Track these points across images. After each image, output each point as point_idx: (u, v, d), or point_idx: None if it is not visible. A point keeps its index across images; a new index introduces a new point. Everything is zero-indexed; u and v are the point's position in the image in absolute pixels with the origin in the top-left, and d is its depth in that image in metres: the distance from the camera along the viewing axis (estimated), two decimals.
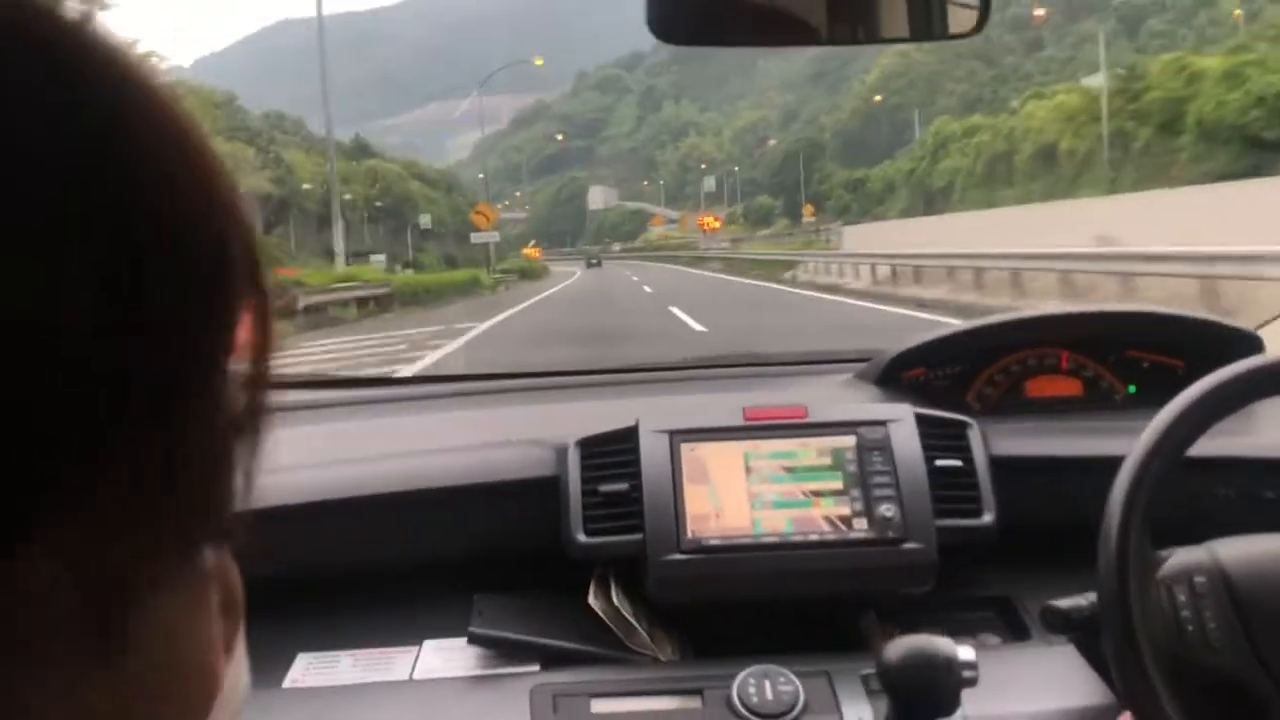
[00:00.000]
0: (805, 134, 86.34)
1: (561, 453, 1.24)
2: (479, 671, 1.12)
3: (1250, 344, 1.38)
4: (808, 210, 60.08)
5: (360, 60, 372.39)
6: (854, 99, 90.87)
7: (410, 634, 1.18)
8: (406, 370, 9.03)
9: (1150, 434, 0.90)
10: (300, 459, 1.35)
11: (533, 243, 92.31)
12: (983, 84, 74.90)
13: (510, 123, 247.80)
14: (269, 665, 1.14)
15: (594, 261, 66.86)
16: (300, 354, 10.81)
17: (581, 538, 1.17)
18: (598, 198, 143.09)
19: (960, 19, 1.04)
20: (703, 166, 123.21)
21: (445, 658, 1.15)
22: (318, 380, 1.81)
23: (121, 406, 0.23)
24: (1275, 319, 1.51)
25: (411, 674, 1.13)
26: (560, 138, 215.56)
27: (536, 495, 1.22)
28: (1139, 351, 1.45)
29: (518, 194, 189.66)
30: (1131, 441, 0.91)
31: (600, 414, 1.31)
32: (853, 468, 1.19)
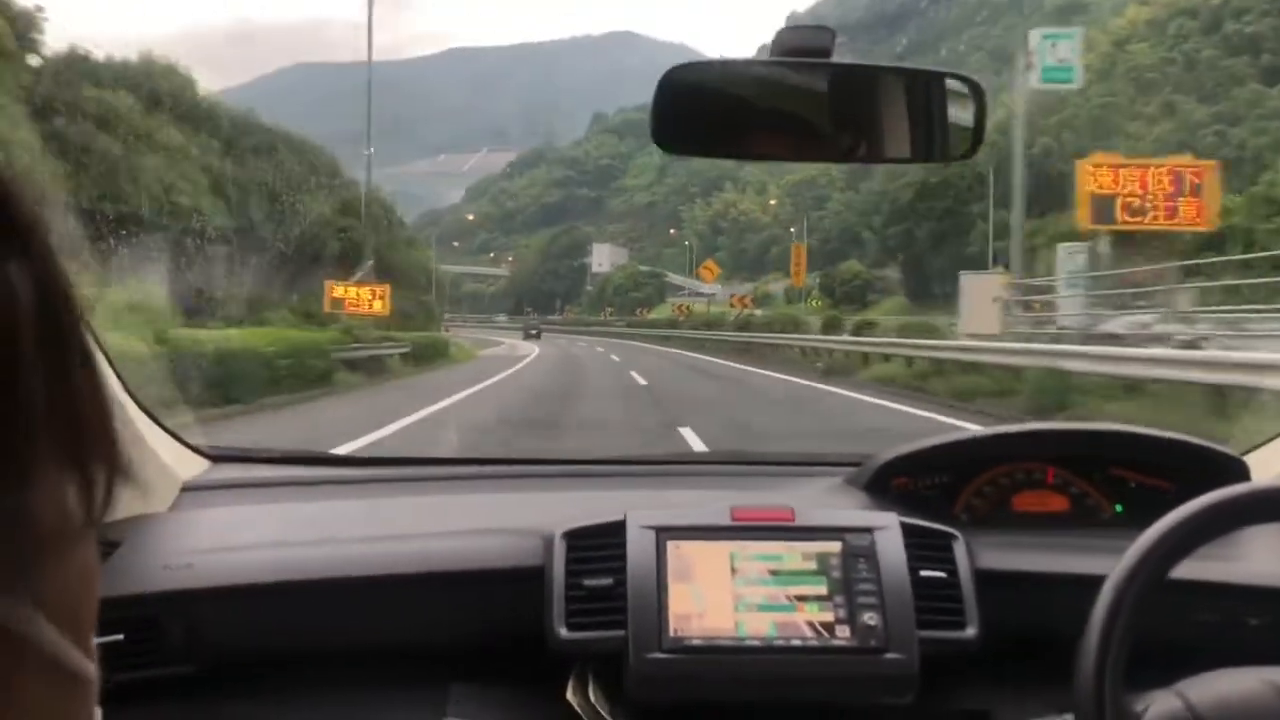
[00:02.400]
0: (893, 190, 57.16)
1: (548, 543, 1.23)
2: None
3: (1236, 470, 1.40)
4: (1003, 277, 21.27)
5: (377, 107, 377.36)
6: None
7: (386, 719, 1.18)
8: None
9: (1127, 562, 0.91)
10: (283, 536, 1.36)
11: (358, 274, 30.03)
12: (1198, 123, 52.09)
13: (507, 164, 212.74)
14: None
15: (533, 332, 55.76)
16: None
17: (563, 631, 1.17)
18: (602, 257, 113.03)
19: (958, 145, 1.08)
20: (758, 214, 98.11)
21: None
22: (300, 457, 1.81)
23: None
24: (1261, 445, 1.53)
25: None
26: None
27: (520, 585, 1.22)
28: (1125, 470, 1.46)
29: (471, 216, 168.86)
30: (1116, 561, 0.92)
31: (586, 506, 1.32)
32: (838, 574, 1.19)
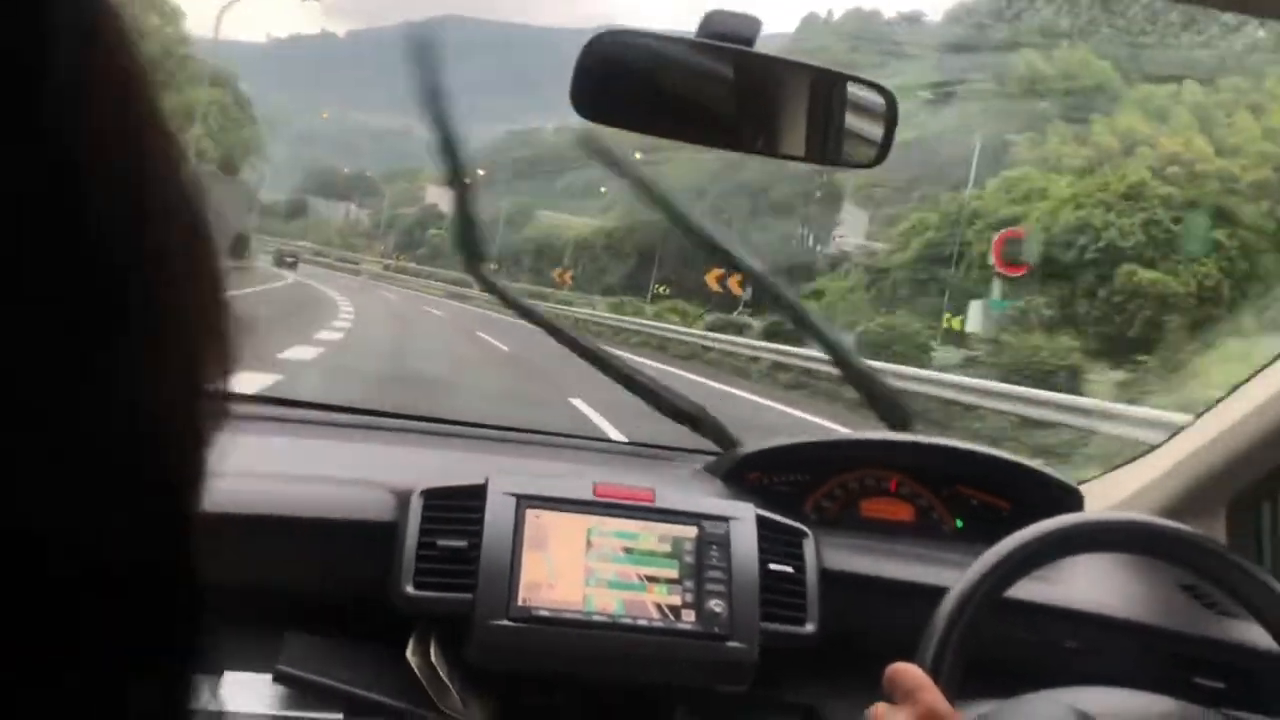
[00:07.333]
0: None
1: (404, 500, 1.21)
2: (279, 711, 1.09)
3: (1072, 499, 1.47)
4: None
5: (510, 65, 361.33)
6: None
7: (211, 660, 1.12)
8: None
9: (968, 579, 0.95)
10: None
11: None
12: None
13: None
14: None
15: (289, 260, 44.20)
16: None
17: (410, 590, 1.14)
18: (853, 225, 43.05)
19: (859, 151, 1.09)
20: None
21: (245, 691, 1.11)
22: None
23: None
24: (1096, 477, 1.60)
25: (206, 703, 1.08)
26: None
27: (370, 540, 1.19)
28: (968, 488, 1.52)
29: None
30: (954, 574, 0.95)
31: (446, 466, 1.29)
32: (690, 559, 1.21)
